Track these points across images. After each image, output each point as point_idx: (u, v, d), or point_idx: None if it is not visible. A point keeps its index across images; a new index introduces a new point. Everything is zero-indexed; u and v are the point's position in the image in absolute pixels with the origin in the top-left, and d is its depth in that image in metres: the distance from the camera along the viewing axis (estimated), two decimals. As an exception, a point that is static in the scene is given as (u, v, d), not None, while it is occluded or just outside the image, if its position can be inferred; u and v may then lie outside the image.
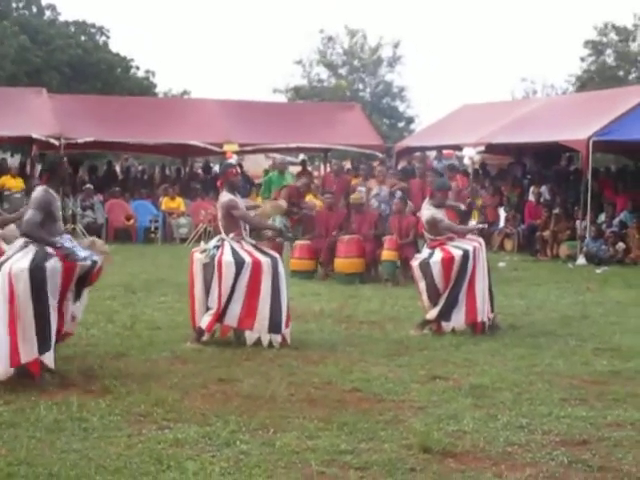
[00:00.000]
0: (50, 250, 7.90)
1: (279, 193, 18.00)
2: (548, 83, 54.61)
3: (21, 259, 7.85)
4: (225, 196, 10.11)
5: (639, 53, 55.25)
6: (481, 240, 11.38)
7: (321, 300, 13.02)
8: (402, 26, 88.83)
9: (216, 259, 9.74)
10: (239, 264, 9.70)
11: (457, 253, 10.71)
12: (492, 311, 11.03)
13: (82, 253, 8.13)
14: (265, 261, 9.77)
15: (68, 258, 7.94)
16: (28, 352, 7.81)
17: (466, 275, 10.72)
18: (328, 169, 22.56)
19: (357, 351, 9.57)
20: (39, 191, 8.18)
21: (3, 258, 8.08)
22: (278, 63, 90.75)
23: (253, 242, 10.20)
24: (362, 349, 9.68)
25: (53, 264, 7.83)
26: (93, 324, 10.88)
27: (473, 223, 12.45)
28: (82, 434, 6.42)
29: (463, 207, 12.48)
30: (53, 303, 7.87)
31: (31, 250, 7.91)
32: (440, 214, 11.02)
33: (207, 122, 25.61)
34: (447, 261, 10.66)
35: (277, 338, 9.73)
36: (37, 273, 7.75)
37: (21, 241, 8.08)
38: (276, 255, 10.09)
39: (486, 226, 16.39)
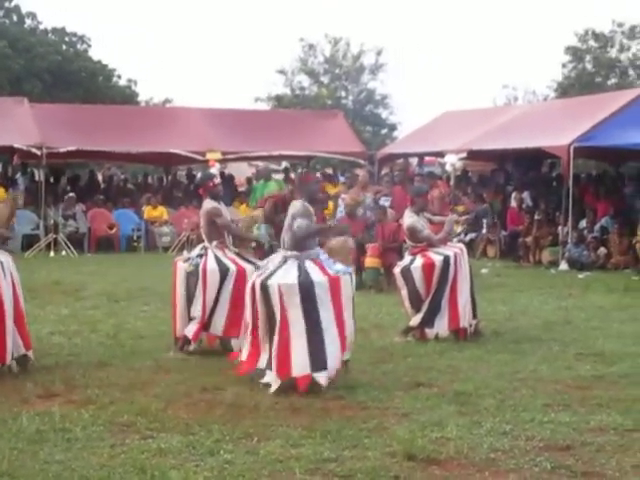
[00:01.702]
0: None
1: (264, 202, 17.98)
2: (529, 89, 54.87)
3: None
4: (208, 203, 10.09)
5: (617, 59, 55.58)
6: (462, 246, 11.44)
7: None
8: (384, 33, 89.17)
9: (200, 267, 9.72)
10: (223, 272, 9.69)
11: (437, 259, 10.75)
12: (475, 317, 11.06)
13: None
14: (249, 269, 9.75)
15: None
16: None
17: (448, 281, 10.75)
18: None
19: (341, 358, 9.55)
20: None
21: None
22: (260, 72, 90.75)
23: (236, 250, 10.19)
24: (346, 356, 9.67)
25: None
26: (76, 333, 10.87)
27: (451, 216, 12.31)
28: (65, 444, 6.39)
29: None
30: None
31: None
32: (420, 223, 11.05)
33: (190, 130, 25.57)
34: (428, 267, 10.70)
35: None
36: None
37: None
38: (259, 263, 10.08)
39: (470, 216, 16.42)
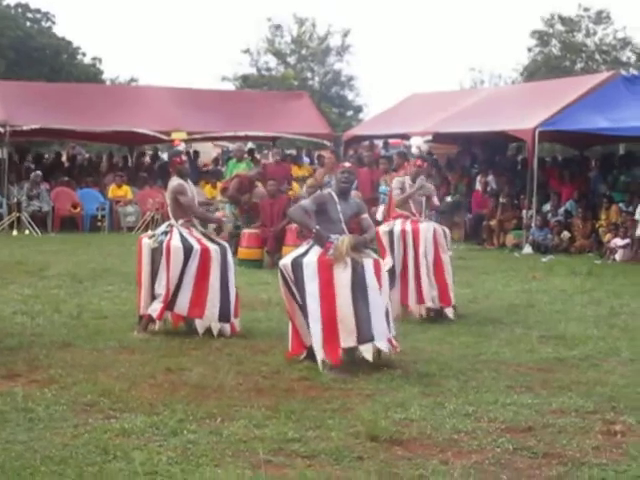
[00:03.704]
0: None
1: (230, 181, 17.95)
2: (496, 73, 55.04)
3: None
4: (174, 181, 10.03)
5: (583, 44, 55.81)
6: (430, 225, 11.43)
7: (269, 289, 12.98)
8: (351, 15, 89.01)
9: (164, 244, 9.68)
10: (187, 250, 9.65)
11: (383, 230, 10.93)
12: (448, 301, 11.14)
13: None
14: (214, 249, 9.73)
15: None
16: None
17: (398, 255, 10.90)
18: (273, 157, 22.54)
19: (305, 340, 9.57)
20: None
21: None
22: (226, 51, 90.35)
23: (203, 230, 10.16)
24: (310, 338, 9.68)
25: None
26: (39, 313, 10.79)
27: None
28: (27, 425, 6.35)
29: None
30: None
31: None
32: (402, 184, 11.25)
33: (155, 110, 25.43)
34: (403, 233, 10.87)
35: (226, 327, 9.71)
36: None
37: None
38: (225, 244, 10.07)
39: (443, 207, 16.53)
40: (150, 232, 10.28)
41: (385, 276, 8.55)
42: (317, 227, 8.42)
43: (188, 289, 9.66)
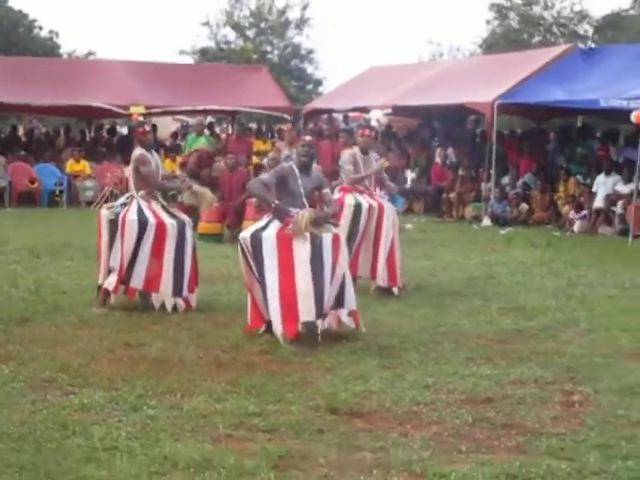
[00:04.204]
0: None
1: (189, 156, 17.87)
2: (455, 46, 54.99)
3: None
4: (137, 151, 9.94)
5: (541, 17, 56.02)
6: (389, 204, 11.44)
7: (229, 263, 12.94)
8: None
9: (120, 217, 9.61)
10: (142, 224, 9.56)
11: (349, 202, 10.89)
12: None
13: None
14: (170, 223, 9.66)
15: None
16: None
17: (359, 230, 10.88)
18: (232, 131, 22.47)
19: (265, 313, 9.56)
20: None
21: None
22: (185, 24, 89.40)
23: (164, 203, 10.09)
24: (270, 311, 9.67)
25: None
26: (-4, 289, 10.70)
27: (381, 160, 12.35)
28: (-16, 402, 6.31)
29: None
30: None
31: None
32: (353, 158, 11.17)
33: (112, 84, 25.20)
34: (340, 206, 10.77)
35: (180, 301, 9.68)
36: None
37: None
38: (184, 218, 9.98)
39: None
40: (110, 203, 10.22)
41: (344, 249, 8.55)
42: (276, 202, 8.39)
43: (143, 263, 9.59)
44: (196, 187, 10.58)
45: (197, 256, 10.05)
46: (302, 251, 8.11)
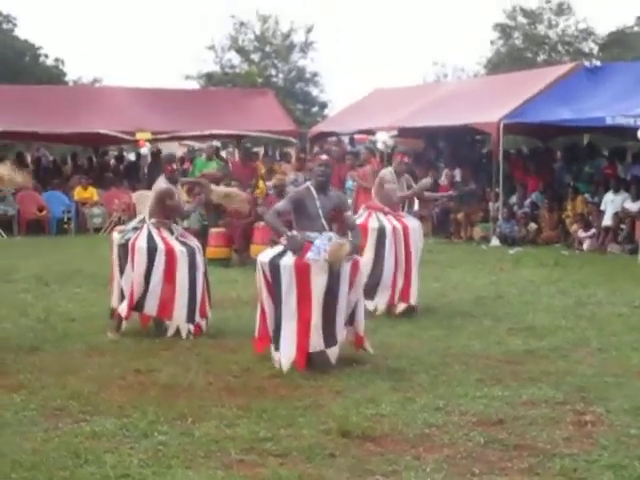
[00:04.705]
0: None
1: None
2: (459, 67, 55.16)
3: None
4: (163, 184, 9.95)
5: (546, 35, 56.16)
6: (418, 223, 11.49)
7: (237, 287, 12.98)
8: (314, 11, 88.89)
9: (130, 243, 9.65)
10: (152, 251, 9.60)
11: (373, 226, 10.91)
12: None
13: None
14: (179, 250, 9.69)
15: None
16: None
17: (384, 253, 10.85)
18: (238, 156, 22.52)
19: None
20: None
21: None
22: (190, 49, 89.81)
23: (178, 229, 10.13)
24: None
25: None
26: (5, 317, 10.72)
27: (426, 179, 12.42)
28: (-4, 431, 6.31)
29: None
30: None
31: None
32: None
33: (119, 110, 25.32)
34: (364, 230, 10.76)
35: (191, 327, 9.69)
36: None
37: None
38: (194, 244, 10.00)
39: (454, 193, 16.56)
40: (122, 227, 10.27)
41: (361, 274, 8.53)
42: (289, 233, 8.31)
43: (156, 290, 9.62)
44: (220, 189, 10.65)
45: (208, 281, 10.07)
46: (319, 282, 8.07)
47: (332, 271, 8.06)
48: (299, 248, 8.14)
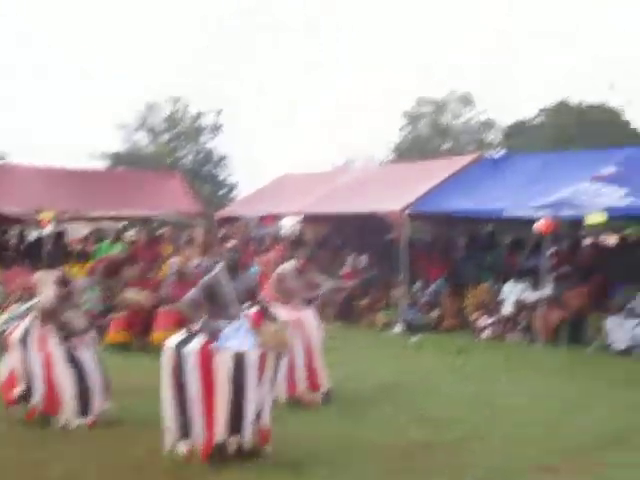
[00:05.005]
0: None
1: (98, 263, 17.72)
2: (368, 153, 56.07)
3: None
4: (51, 294, 9.77)
5: (451, 125, 57.62)
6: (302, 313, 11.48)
7: (137, 373, 12.74)
8: (224, 94, 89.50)
9: (5, 333, 9.51)
10: (24, 342, 9.45)
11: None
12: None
13: None
14: (54, 342, 9.49)
15: None
16: None
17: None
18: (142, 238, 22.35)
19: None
20: None
21: None
22: (98, 128, 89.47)
23: (64, 320, 9.94)
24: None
25: None
26: None
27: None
28: None
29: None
30: None
31: None
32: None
33: (22, 189, 24.91)
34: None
35: (85, 420, 9.49)
36: None
37: None
38: (83, 336, 9.78)
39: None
40: (13, 306, 10.11)
41: (269, 366, 8.47)
42: (204, 320, 8.33)
43: (40, 382, 9.39)
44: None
45: (103, 369, 9.87)
46: (224, 371, 8.01)
47: (237, 360, 8.02)
48: (215, 332, 8.12)
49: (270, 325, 8.33)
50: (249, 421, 8.16)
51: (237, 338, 8.20)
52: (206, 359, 8.04)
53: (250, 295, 8.87)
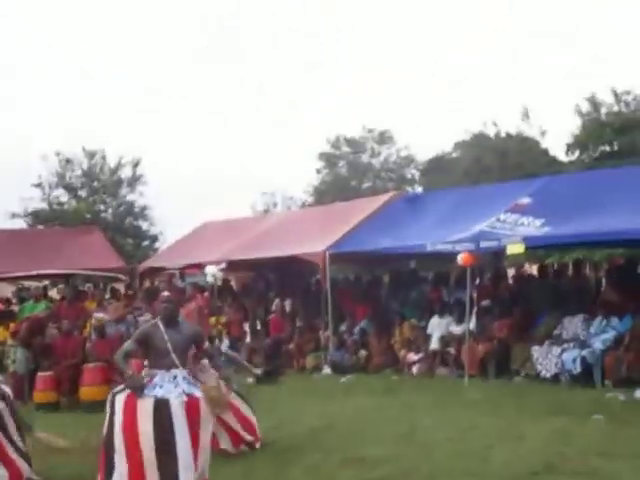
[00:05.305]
0: None
1: (21, 324, 17.51)
2: (288, 195, 56.22)
3: None
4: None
5: (370, 163, 58.10)
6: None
7: (67, 432, 12.56)
8: (141, 145, 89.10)
9: None
10: None
11: None
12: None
13: None
14: None
15: None
16: None
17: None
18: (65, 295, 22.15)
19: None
20: None
21: None
22: (15, 187, 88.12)
23: None
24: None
25: None
26: None
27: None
28: None
29: None
30: None
31: None
32: None
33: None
34: None
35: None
36: None
37: None
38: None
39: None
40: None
41: (204, 417, 8.41)
42: (129, 373, 8.35)
43: None
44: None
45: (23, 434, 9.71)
46: (146, 419, 8.00)
47: (159, 409, 8.01)
48: (139, 387, 8.12)
49: (210, 383, 8.33)
50: (185, 470, 8.09)
51: (166, 387, 8.20)
52: (130, 407, 8.09)
53: (194, 344, 8.87)
